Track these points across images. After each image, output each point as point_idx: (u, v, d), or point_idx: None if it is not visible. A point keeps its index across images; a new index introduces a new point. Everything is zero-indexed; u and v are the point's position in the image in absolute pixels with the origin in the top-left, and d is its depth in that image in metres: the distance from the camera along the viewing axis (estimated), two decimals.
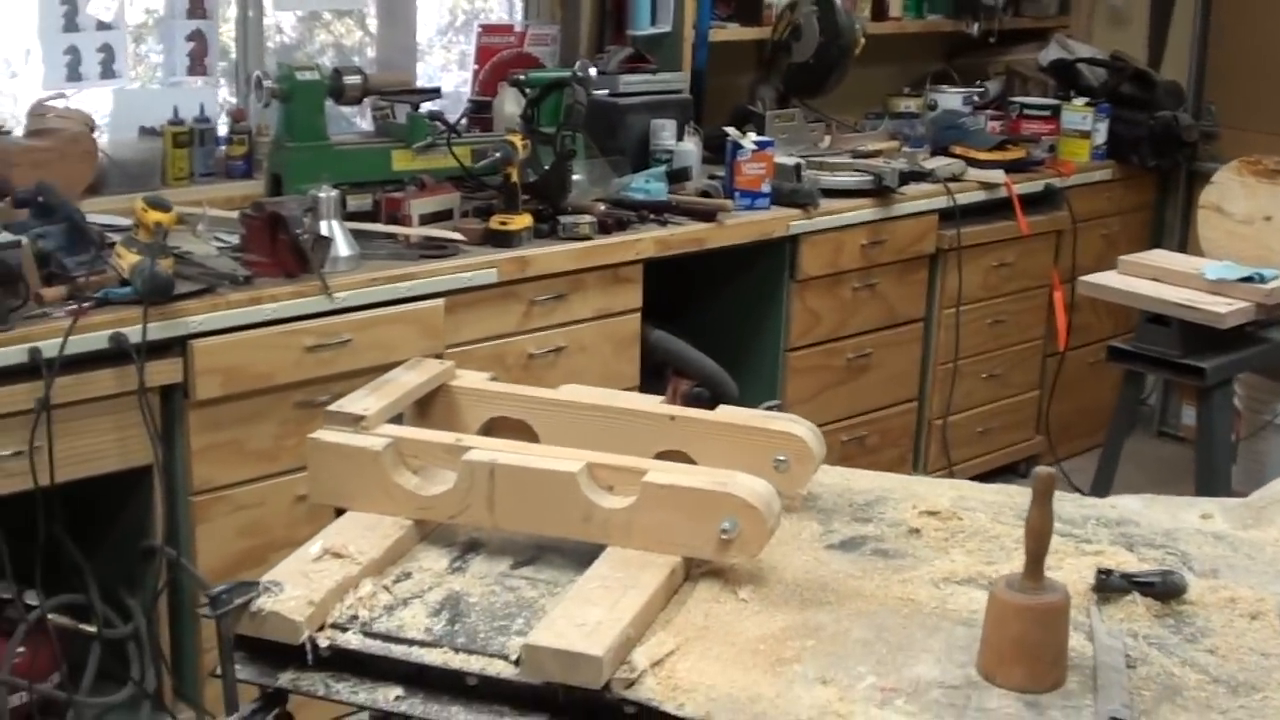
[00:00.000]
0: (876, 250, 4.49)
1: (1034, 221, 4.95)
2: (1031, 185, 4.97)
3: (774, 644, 1.75)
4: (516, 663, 1.70)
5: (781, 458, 2.10)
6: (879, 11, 5.18)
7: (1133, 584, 1.90)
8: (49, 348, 2.85)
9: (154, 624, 3.17)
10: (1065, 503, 2.22)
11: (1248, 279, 3.65)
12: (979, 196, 4.78)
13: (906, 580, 1.94)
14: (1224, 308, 3.58)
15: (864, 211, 4.43)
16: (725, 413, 2.21)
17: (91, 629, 3.12)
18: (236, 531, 3.19)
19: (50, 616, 3.07)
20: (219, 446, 3.16)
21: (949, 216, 4.66)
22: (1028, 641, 1.67)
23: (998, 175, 4.80)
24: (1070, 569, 1.95)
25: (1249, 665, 1.75)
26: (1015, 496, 2.24)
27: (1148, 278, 3.79)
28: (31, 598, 3.03)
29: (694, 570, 1.92)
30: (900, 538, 2.08)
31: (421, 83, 4.32)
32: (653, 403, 2.24)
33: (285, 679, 1.79)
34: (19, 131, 3.55)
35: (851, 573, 1.96)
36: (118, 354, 2.95)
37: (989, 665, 1.69)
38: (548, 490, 1.92)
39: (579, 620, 1.70)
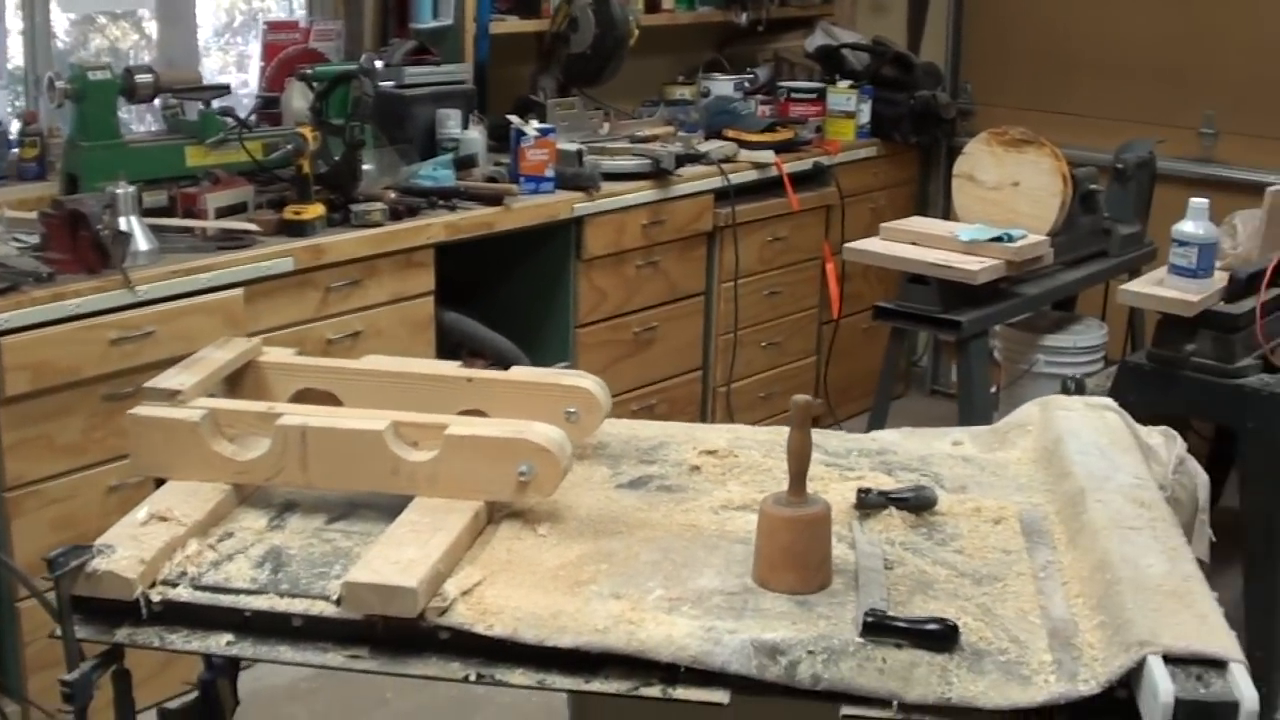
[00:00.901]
0: (657, 229, 4.70)
1: (804, 198, 5.22)
2: (801, 164, 5.24)
3: (571, 570, 1.94)
4: (338, 602, 1.85)
5: (571, 409, 2.28)
6: (652, 4, 5.36)
7: (889, 500, 2.13)
8: None
9: None
10: (830, 438, 2.46)
11: (997, 239, 3.95)
12: (751, 176, 5.02)
13: (689, 510, 2.14)
14: (976, 265, 3.86)
15: (643, 193, 4.64)
16: (518, 372, 2.39)
17: None
18: (50, 525, 3.26)
19: None
20: (29, 442, 3.22)
21: (724, 196, 4.90)
22: (795, 549, 1.89)
23: (768, 155, 5.05)
24: (835, 492, 2.17)
25: (992, 561, 1.99)
26: (785, 435, 2.45)
27: (908, 242, 4.07)
28: None
29: (496, 514, 2.09)
30: (682, 475, 2.28)
31: None
32: (451, 367, 2.41)
33: (122, 634, 1.92)
34: None
35: (639, 506, 2.15)
36: None
37: (763, 573, 1.90)
38: (357, 448, 2.07)
39: (393, 559, 1.86)
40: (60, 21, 4.43)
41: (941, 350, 6.06)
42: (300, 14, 4.90)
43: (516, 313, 4.59)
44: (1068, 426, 2.35)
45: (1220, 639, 1.65)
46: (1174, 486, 2.38)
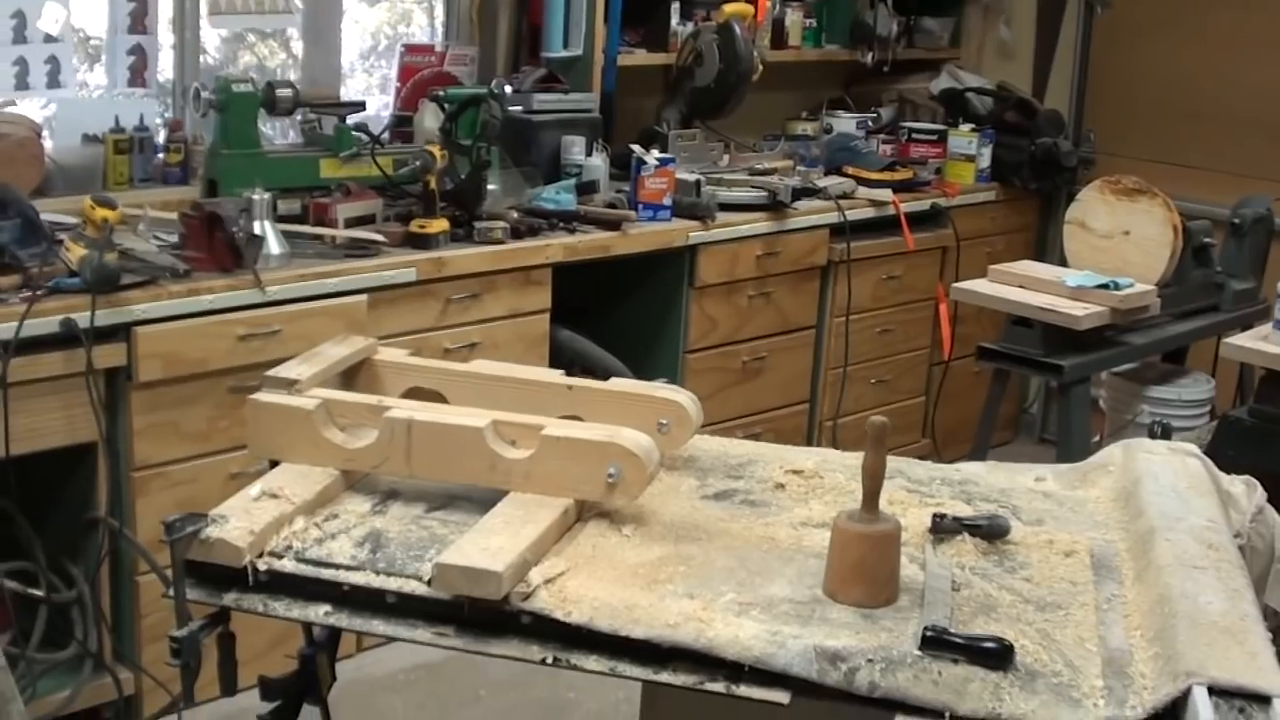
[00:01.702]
0: (771, 261, 4.80)
1: (920, 238, 5.29)
2: (918, 204, 5.31)
3: (650, 569, 2.04)
4: (429, 583, 1.98)
5: (664, 421, 2.39)
6: (778, 40, 5.49)
7: (963, 526, 2.20)
8: (3, 330, 3.10)
9: (96, 590, 3.40)
10: (916, 466, 2.53)
11: (1104, 286, 4.00)
12: (868, 214, 5.11)
13: (769, 524, 2.23)
14: (1081, 311, 3.92)
15: (759, 225, 4.74)
16: (616, 383, 2.51)
17: (39, 593, 3.36)
18: (173, 506, 3.39)
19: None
20: (158, 426, 3.41)
21: (839, 231, 4.99)
22: (864, 564, 1.97)
23: (885, 194, 5.13)
24: (913, 516, 2.25)
25: (1058, 590, 2.05)
26: None
27: (1015, 285, 4.13)
28: None
29: (585, 513, 2.20)
30: (767, 491, 2.38)
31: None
32: (553, 374, 2.54)
33: (229, 599, 2.06)
34: None
35: (721, 517, 2.25)
36: (67, 338, 3.19)
37: (832, 585, 1.99)
38: (458, 443, 2.19)
39: (483, 546, 1.98)
40: (211, 38, 4.65)
41: (1052, 398, 6.07)
42: (438, 39, 5.08)
43: (629, 335, 4.72)
44: (1148, 469, 2.41)
45: (1267, 676, 1.70)
46: (1251, 534, 2.43)
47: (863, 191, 5.13)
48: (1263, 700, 1.67)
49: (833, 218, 4.97)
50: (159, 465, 3.42)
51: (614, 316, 4.76)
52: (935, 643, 1.82)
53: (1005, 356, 4.03)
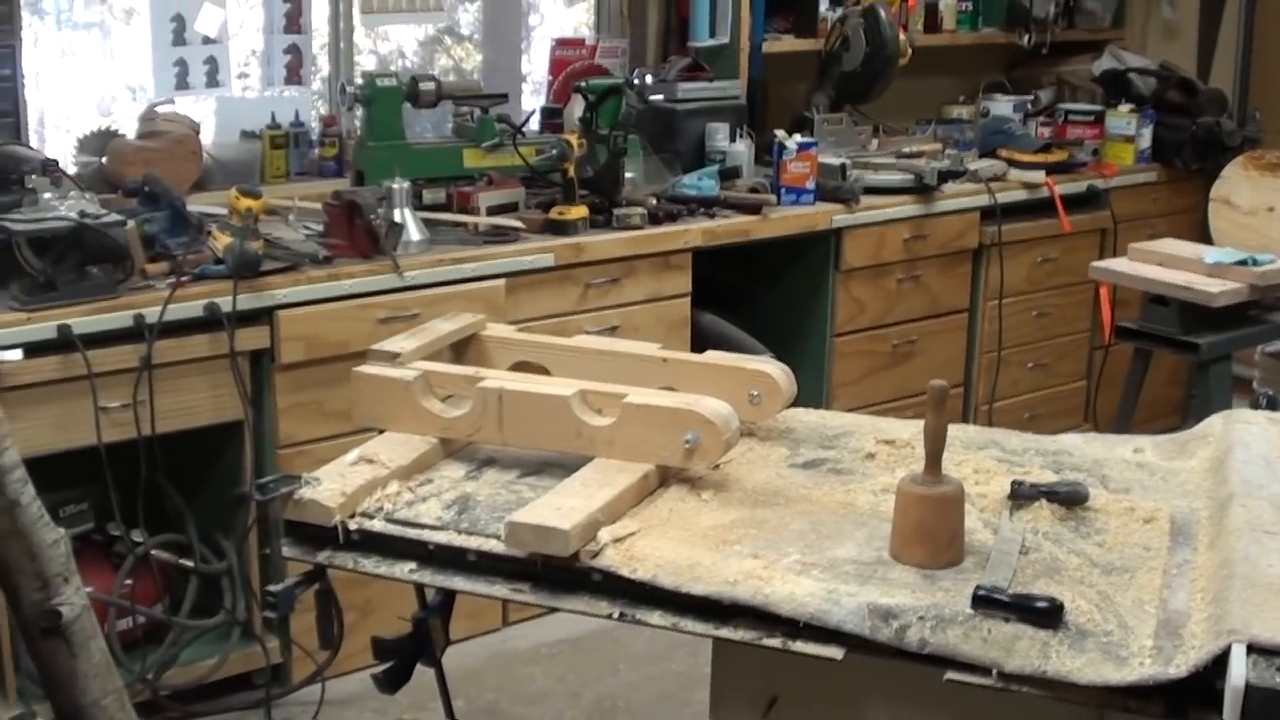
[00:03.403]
0: (919, 244, 4.80)
1: (1077, 220, 5.22)
2: (1074, 186, 5.24)
3: (722, 531, 2.11)
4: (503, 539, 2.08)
5: (755, 392, 2.45)
6: (932, 24, 5.47)
7: (1040, 492, 2.22)
8: (151, 314, 3.28)
9: (245, 562, 3.58)
10: (1011, 437, 2.55)
11: (1242, 262, 3.92)
12: (1020, 196, 5.06)
13: (850, 490, 2.28)
14: (1217, 288, 3.85)
15: (906, 208, 4.74)
16: (710, 355, 2.58)
17: (189, 564, 3.55)
18: None
19: (153, 552, 3.49)
20: (302, 406, 3.57)
21: (991, 214, 4.96)
22: (925, 525, 2.01)
23: (1038, 176, 5.08)
24: (997, 484, 2.28)
25: (1129, 556, 2.06)
26: (968, 432, 2.56)
27: (1154, 263, 4.08)
28: (137, 535, 3.46)
29: (669, 478, 2.28)
30: (856, 461, 2.42)
31: (526, 102, 4.78)
32: (650, 347, 2.62)
33: (323, 556, 2.19)
34: (132, 135, 4.01)
35: (804, 485, 2.30)
36: (212, 321, 3.37)
37: (896, 547, 2.03)
38: (546, 411, 2.29)
39: (556, 506, 2.07)
40: (409, 43, 4.86)
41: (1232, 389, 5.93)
42: (588, 33, 5.20)
43: (777, 320, 4.76)
44: (1241, 438, 2.39)
45: None
46: None
47: (1015, 174, 5.08)
48: None
49: (983, 200, 4.94)
50: (303, 443, 3.57)
51: (762, 301, 4.81)
52: (986, 601, 1.86)
53: (1143, 335, 3.99)
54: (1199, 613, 1.86)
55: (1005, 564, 1.99)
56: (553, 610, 2.08)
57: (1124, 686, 1.74)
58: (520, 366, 2.63)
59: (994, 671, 1.82)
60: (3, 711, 3.28)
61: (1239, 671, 1.64)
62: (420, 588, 2.55)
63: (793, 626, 1.91)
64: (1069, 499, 2.21)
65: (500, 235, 3.92)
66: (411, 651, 2.60)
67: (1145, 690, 1.74)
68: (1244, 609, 1.76)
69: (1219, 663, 1.69)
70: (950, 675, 1.84)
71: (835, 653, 1.89)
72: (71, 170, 3.80)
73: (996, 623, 1.84)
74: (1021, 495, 2.22)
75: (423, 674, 2.63)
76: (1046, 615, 1.83)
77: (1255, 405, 2.69)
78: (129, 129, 4.03)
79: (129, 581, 3.46)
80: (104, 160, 3.93)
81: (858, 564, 2.01)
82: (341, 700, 3.68)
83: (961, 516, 2.03)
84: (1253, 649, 1.68)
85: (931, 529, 2.01)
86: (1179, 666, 1.73)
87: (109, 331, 3.27)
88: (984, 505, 2.20)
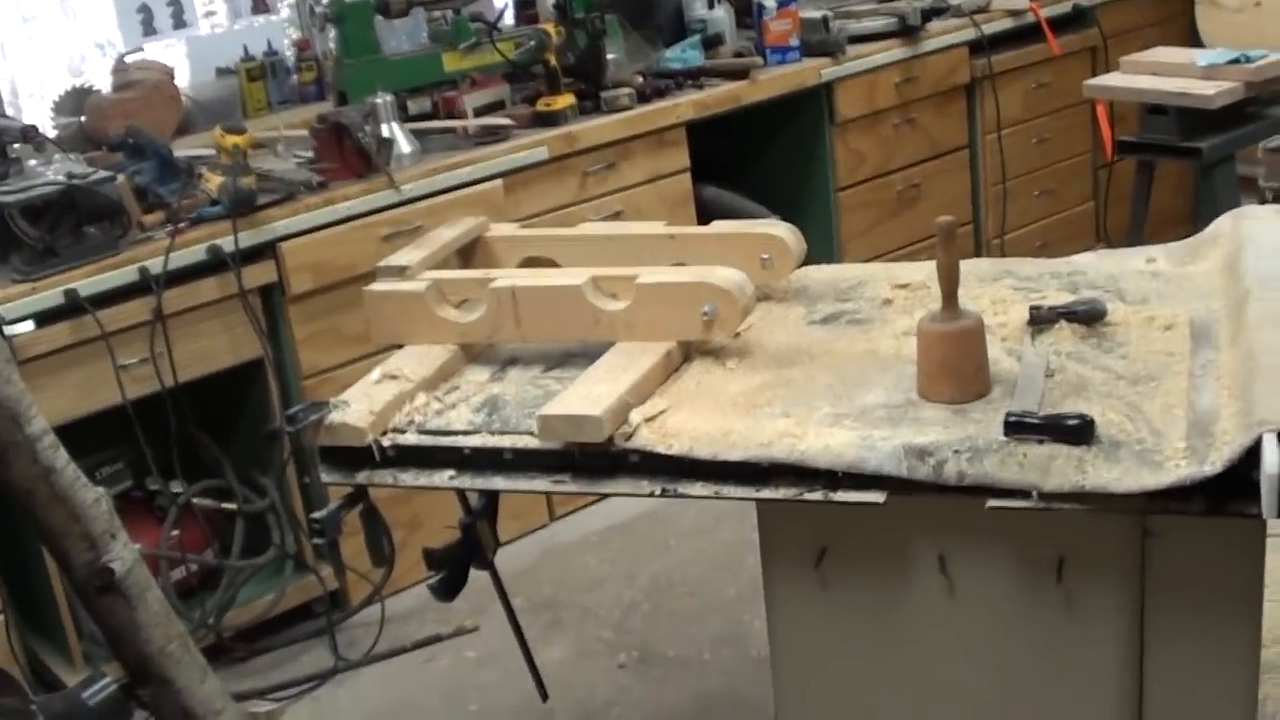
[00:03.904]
0: (910, 87, 4.76)
1: (1066, 41, 5.16)
2: (1060, 7, 5.16)
3: (750, 395, 2.12)
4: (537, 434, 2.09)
5: (765, 256, 2.46)
6: None
7: (1059, 314, 2.23)
8: (155, 265, 3.28)
9: (287, 496, 3.61)
10: (1025, 264, 2.55)
11: (1235, 61, 3.88)
12: (1007, 25, 5.00)
13: (872, 338, 2.29)
14: (1213, 89, 3.82)
15: (893, 52, 4.69)
16: (716, 225, 2.59)
17: (233, 506, 3.58)
18: None
19: (195, 500, 3.53)
20: (319, 334, 3.58)
21: (979, 48, 4.91)
22: (949, 362, 2.02)
23: (1022, 2, 5.01)
24: (1015, 312, 2.29)
25: (1153, 364, 2.07)
26: (981, 265, 2.56)
27: (1147, 73, 4.04)
28: (176, 487, 3.49)
29: (692, 353, 2.29)
30: (874, 309, 2.42)
31: None
32: (656, 226, 2.62)
33: (362, 477, 2.21)
34: (107, 89, 3.98)
35: (825, 339, 2.31)
36: (217, 263, 3.37)
37: (923, 386, 2.04)
38: (562, 302, 2.30)
39: (584, 394, 2.09)
40: None
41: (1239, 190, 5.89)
42: None
43: (779, 183, 4.74)
44: (1251, 234, 2.39)
45: None
46: None
47: (999, 3, 5.01)
48: None
49: (969, 34, 4.89)
50: (326, 371, 3.58)
51: (762, 167, 4.78)
52: (1018, 426, 1.87)
53: (1144, 147, 3.96)
54: (1227, 409, 1.88)
55: (1032, 388, 2.00)
56: (597, 497, 2.10)
57: (1162, 490, 1.76)
58: (529, 263, 2.64)
59: (1034, 493, 1.84)
60: (71, 676, 3.33)
61: (1272, 459, 1.66)
62: (462, 494, 2.59)
63: (832, 478, 1.93)
64: (1088, 316, 2.22)
65: (491, 135, 3.90)
66: (463, 557, 2.64)
67: (1184, 491, 1.76)
68: (1271, 399, 1.77)
69: (1252, 454, 1.70)
70: (992, 503, 1.86)
71: (876, 497, 1.92)
72: (52, 134, 3.79)
73: (1030, 446, 1.85)
74: (1041, 319, 2.23)
75: (479, 578, 2.67)
76: (1078, 432, 1.85)
77: (1263, 201, 2.68)
78: (103, 84, 4.00)
79: (175, 532, 3.50)
80: (83, 119, 3.91)
81: (888, 408, 2.02)
82: (403, 616, 3.73)
83: (984, 348, 2.04)
84: None
85: (956, 364, 2.02)
86: (1213, 463, 1.75)
87: (116, 289, 3.27)
88: (1005, 334, 2.21)
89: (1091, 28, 5.28)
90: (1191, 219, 5.92)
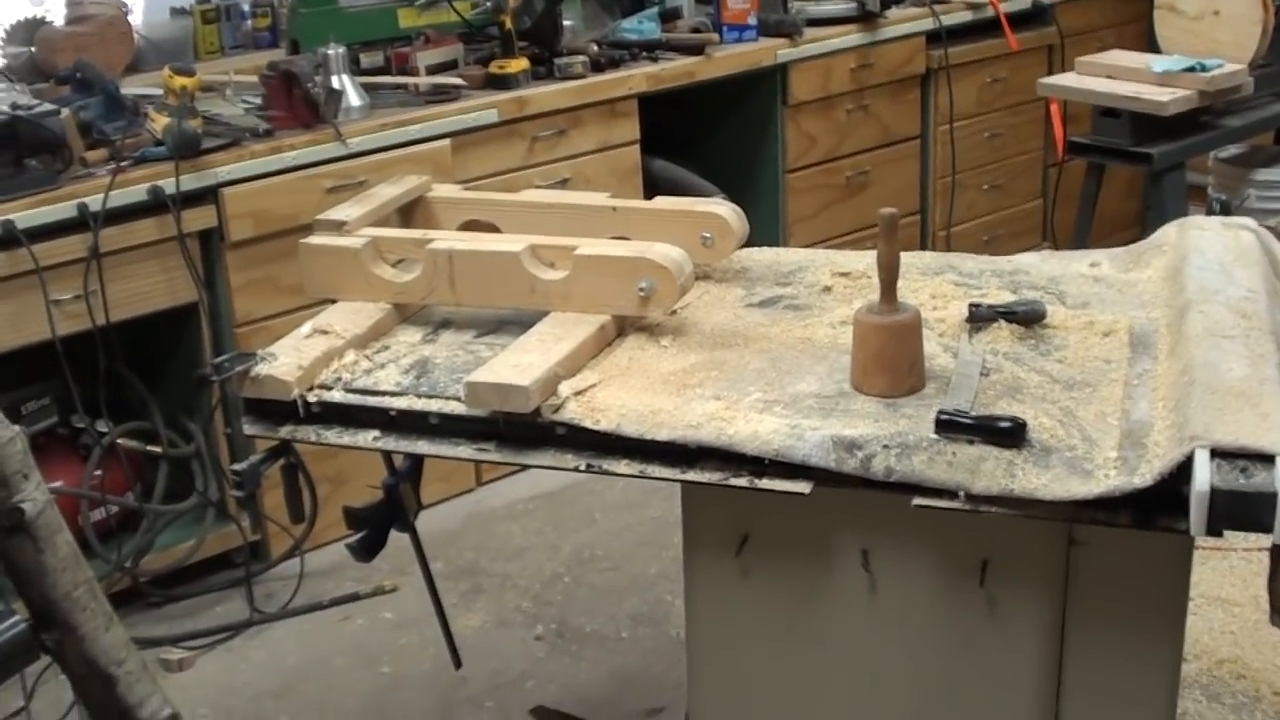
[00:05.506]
0: (866, 73, 4.75)
1: (1024, 37, 5.16)
2: (1020, 3, 5.16)
3: (682, 375, 2.10)
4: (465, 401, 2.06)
5: (707, 234, 2.43)
6: None
7: (998, 313, 2.22)
8: (94, 202, 3.22)
9: (213, 443, 3.57)
10: (967, 260, 2.54)
11: (1191, 69, 3.89)
12: (966, 17, 5.00)
13: (808, 325, 2.27)
14: (1167, 96, 3.83)
15: (850, 37, 4.68)
16: (659, 201, 2.56)
17: (157, 450, 3.53)
18: None
19: (120, 441, 3.48)
20: (255, 283, 3.53)
21: (937, 38, 4.90)
22: (885, 355, 2.01)
23: None
24: (955, 308, 2.27)
25: (1089, 370, 2.07)
26: (923, 258, 2.55)
27: (1103, 75, 4.04)
28: (102, 426, 3.44)
29: (628, 328, 2.27)
30: (813, 295, 2.41)
31: None
32: (599, 197, 2.59)
33: (285, 431, 2.17)
34: (60, 21, 3.91)
35: (762, 323, 2.29)
36: (157, 205, 3.31)
37: (857, 378, 2.03)
38: (498, 268, 2.26)
39: (513, 363, 2.06)
40: None
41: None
42: None
43: (729, 161, 4.72)
44: (1196, 244, 2.39)
45: (1273, 435, 1.70)
46: None
47: None
48: (1266, 459, 1.68)
49: (928, 24, 4.88)
50: (260, 320, 3.54)
51: (712, 143, 4.77)
52: (949, 425, 1.86)
53: (1095, 149, 3.97)
54: (1161, 421, 1.87)
55: (966, 387, 1.99)
56: (522, 468, 2.08)
57: (1091, 499, 1.75)
58: (470, 226, 2.60)
59: (961, 494, 1.83)
60: None
61: (1203, 476, 1.66)
62: (388, 455, 2.56)
63: (759, 464, 1.92)
64: (1027, 317, 2.21)
65: (442, 94, 3.86)
66: (384, 518, 2.62)
67: (1112, 502, 1.75)
68: (1205, 414, 1.77)
69: (1183, 469, 1.70)
70: (918, 501, 1.85)
71: (803, 487, 1.90)
72: (1, 63, 3.71)
73: (961, 445, 1.84)
74: (979, 317, 2.22)
75: (400, 539, 2.65)
76: (1010, 434, 1.84)
77: (1209, 211, 2.69)
78: (57, 16, 3.93)
79: (98, 472, 3.45)
80: (33, 50, 3.83)
81: (819, 398, 2.01)
82: (322, 571, 3.70)
83: (920, 343, 2.03)
84: (1215, 453, 1.69)
85: (891, 357, 2.00)
86: (1144, 476, 1.74)
87: (53, 223, 3.21)
88: (943, 330, 2.20)
89: (1050, 26, 5.28)
90: (1139, 223, 5.97)
